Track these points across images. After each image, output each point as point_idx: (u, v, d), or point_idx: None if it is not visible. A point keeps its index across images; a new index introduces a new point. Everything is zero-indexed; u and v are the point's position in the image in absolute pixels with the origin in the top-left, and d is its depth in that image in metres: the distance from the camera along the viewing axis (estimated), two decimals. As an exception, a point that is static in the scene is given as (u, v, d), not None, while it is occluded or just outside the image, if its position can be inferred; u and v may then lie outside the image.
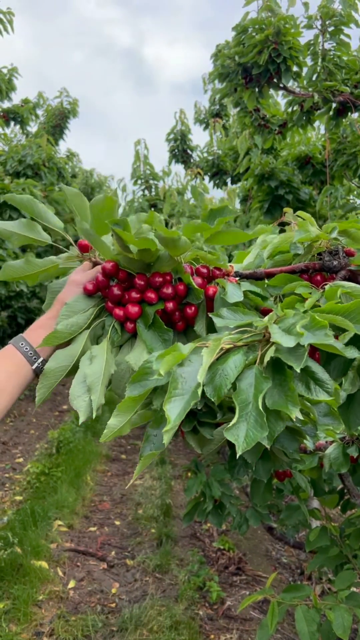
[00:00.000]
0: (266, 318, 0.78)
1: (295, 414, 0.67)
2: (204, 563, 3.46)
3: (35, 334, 0.96)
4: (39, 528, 3.59)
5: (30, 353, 0.93)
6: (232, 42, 3.17)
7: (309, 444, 1.30)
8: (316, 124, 3.95)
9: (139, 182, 6.91)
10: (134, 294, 0.96)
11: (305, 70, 3.16)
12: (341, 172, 3.60)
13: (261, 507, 2.00)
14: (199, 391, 0.69)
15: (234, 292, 0.90)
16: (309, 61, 3.21)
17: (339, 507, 1.85)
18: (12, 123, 7.79)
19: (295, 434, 1.20)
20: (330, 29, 3.13)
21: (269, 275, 1.00)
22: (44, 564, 3.22)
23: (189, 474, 2.47)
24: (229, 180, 6.18)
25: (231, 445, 1.37)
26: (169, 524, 4.00)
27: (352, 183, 3.77)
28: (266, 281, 1.00)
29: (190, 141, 7.52)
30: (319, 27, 3.17)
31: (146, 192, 6.96)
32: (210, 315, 0.85)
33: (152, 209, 6.53)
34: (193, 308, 0.96)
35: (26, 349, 0.93)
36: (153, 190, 6.87)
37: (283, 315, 0.76)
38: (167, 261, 0.95)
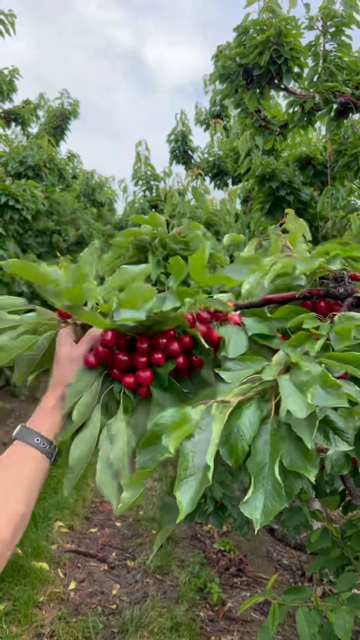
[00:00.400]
0: (275, 359, 0.74)
1: (314, 475, 0.64)
2: (204, 564, 3.46)
3: (46, 425, 0.88)
4: (39, 529, 3.59)
5: (49, 447, 0.86)
6: (233, 43, 3.17)
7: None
8: (317, 125, 3.95)
9: (140, 183, 6.91)
10: (140, 358, 0.90)
11: (306, 71, 3.16)
12: (342, 173, 3.59)
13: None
14: (210, 475, 0.64)
15: (236, 344, 0.85)
16: (310, 62, 3.20)
17: (340, 509, 1.85)
18: (13, 124, 7.79)
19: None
20: (332, 30, 3.12)
21: (269, 302, 0.96)
22: (45, 565, 3.21)
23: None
24: (229, 181, 6.18)
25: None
26: (170, 525, 3.99)
27: (353, 184, 3.76)
28: (268, 314, 0.96)
29: (191, 142, 7.51)
30: (320, 28, 3.16)
31: (147, 193, 6.96)
32: (216, 371, 0.81)
33: (153, 210, 6.53)
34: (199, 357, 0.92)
35: (43, 444, 0.86)
36: (154, 191, 6.87)
37: (295, 364, 0.72)
38: (168, 320, 0.90)
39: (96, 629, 2.73)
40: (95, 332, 0.93)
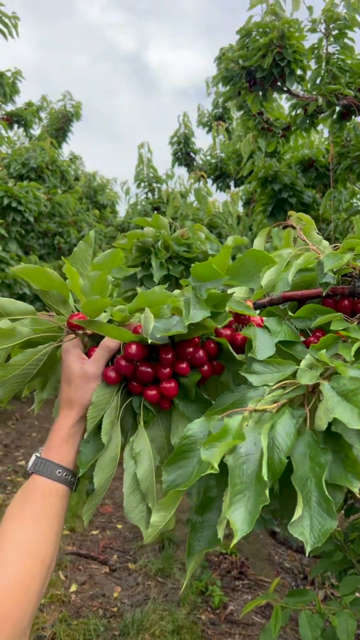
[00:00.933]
0: (304, 364, 0.69)
1: (358, 488, 0.59)
2: (206, 567, 3.45)
3: (63, 452, 0.81)
4: (40, 531, 3.58)
5: (71, 478, 0.81)
6: (236, 45, 3.18)
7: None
8: (320, 127, 3.95)
9: (142, 185, 6.92)
10: (164, 370, 0.83)
11: (309, 73, 3.16)
12: (345, 175, 3.59)
13: (264, 511, 1.99)
14: (267, 492, 0.57)
15: (264, 345, 0.78)
16: (312, 65, 3.21)
17: (343, 512, 1.85)
18: (15, 126, 7.82)
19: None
20: (334, 32, 3.13)
21: (288, 299, 0.91)
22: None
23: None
24: (232, 184, 6.19)
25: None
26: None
27: (356, 186, 3.76)
28: (289, 312, 0.90)
29: (194, 144, 7.54)
30: (323, 30, 3.17)
31: (149, 195, 6.97)
32: (242, 373, 0.76)
33: (156, 212, 6.54)
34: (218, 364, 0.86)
35: (66, 475, 0.80)
36: (156, 193, 6.88)
37: (334, 371, 0.66)
38: (196, 329, 0.83)
39: (97, 631, 2.72)
40: (109, 343, 0.85)
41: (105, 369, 0.84)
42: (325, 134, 4.41)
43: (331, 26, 3.12)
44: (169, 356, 0.83)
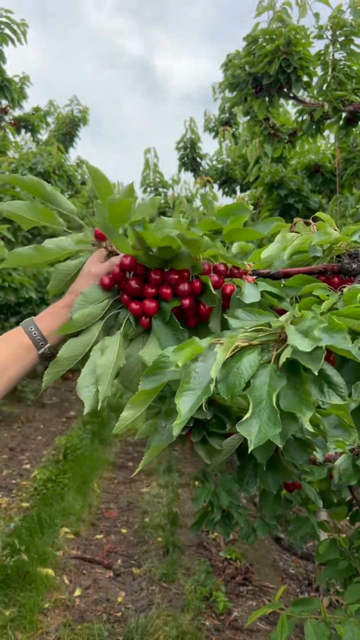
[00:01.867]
0: (283, 318, 0.77)
1: (309, 417, 0.66)
2: (210, 573, 3.44)
3: (46, 320, 0.97)
4: (45, 535, 3.59)
5: (39, 338, 0.95)
6: (243, 52, 3.19)
7: (318, 455, 1.29)
8: (326, 133, 3.96)
9: (148, 189, 6.94)
10: (150, 289, 0.95)
11: (315, 80, 3.17)
12: (351, 180, 3.60)
13: (269, 517, 1.98)
14: (212, 387, 0.69)
15: (251, 292, 0.89)
16: (319, 71, 3.21)
17: (348, 518, 1.84)
18: (22, 131, 7.86)
19: (305, 445, 1.19)
20: (341, 39, 3.13)
21: (286, 276, 0.99)
22: (50, 572, 3.21)
23: (196, 483, 2.45)
24: (238, 189, 6.20)
25: (240, 456, 1.37)
26: (176, 532, 3.98)
27: (362, 192, 3.76)
28: (283, 281, 0.99)
29: (200, 149, 7.55)
30: (330, 37, 3.18)
31: (155, 199, 6.99)
32: (225, 316, 0.84)
33: (161, 217, 6.56)
34: (207, 306, 0.95)
35: (35, 334, 0.95)
36: (162, 198, 6.90)
37: (300, 317, 0.75)
38: (186, 258, 0.94)
39: (101, 636, 2.72)
40: (116, 260, 0.98)
41: (104, 276, 0.97)
42: (332, 139, 4.42)
43: (338, 33, 3.12)
44: (157, 277, 0.94)
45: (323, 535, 2.62)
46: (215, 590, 3.22)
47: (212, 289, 0.92)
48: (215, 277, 0.95)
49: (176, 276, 0.94)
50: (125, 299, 0.97)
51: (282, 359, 0.70)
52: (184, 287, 0.94)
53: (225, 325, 0.94)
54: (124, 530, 4.04)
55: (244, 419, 0.67)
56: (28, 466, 5.03)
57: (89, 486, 4.61)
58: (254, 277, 1.00)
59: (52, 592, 3.06)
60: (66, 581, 3.22)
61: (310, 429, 0.67)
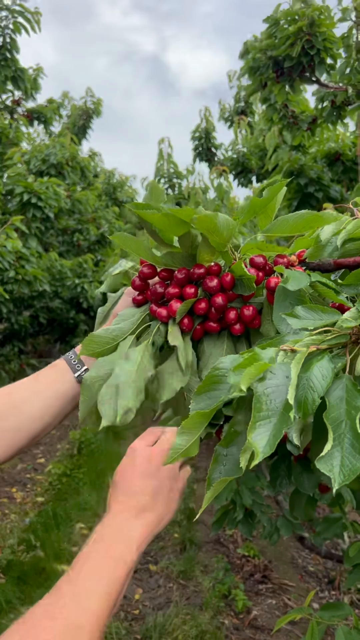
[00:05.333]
0: (348, 315, 0.66)
1: None
2: (229, 570, 3.38)
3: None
4: (60, 531, 3.55)
5: (75, 361, 0.91)
6: (263, 35, 3.09)
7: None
8: (346, 120, 3.84)
9: (163, 180, 6.85)
10: (172, 289, 0.84)
11: (339, 62, 3.06)
12: (373, 169, 3.48)
13: (302, 519, 1.91)
14: (292, 415, 0.56)
15: (297, 279, 0.74)
16: (342, 54, 3.10)
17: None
18: (35, 122, 7.80)
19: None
20: (366, 20, 3.02)
21: (339, 266, 0.84)
22: (66, 568, 3.15)
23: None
24: (254, 179, 6.08)
25: (271, 456, 1.29)
26: (193, 528, 3.92)
27: (385, 180, 3.65)
28: (337, 279, 0.85)
29: (215, 139, 7.43)
30: (354, 19, 3.06)
31: (169, 190, 6.90)
32: (283, 315, 0.71)
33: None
34: (251, 308, 0.82)
35: (71, 357, 0.92)
36: (176, 188, 6.80)
37: None
38: (209, 248, 0.83)
39: (119, 634, 2.67)
40: (129, 288, 0.97)
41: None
42: (351, 127, 4.30)
43: (362, 14, 3.01)
44: (182, 276, 0.84)
45: (346, 535, 2.54)
46: (234, 588, 3.16)
47: (247, 272, 0.78)
48: (252, 271, 0.80)
49: (201, 270, 0.82)
50: (153, 308, 0.87)
51: (359, 366, 0.61)
52: (212, 283, 0.81)
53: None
54: (139, 526, 3.99)
55: (324, 451, 0.56)
56: (42, 460, 5.00)
57: (104, 481, 4.56)
58: (304, 268, 0.85)
59: (68, 588, 3.02)
60: (82, 577, 3.18)
61: None
